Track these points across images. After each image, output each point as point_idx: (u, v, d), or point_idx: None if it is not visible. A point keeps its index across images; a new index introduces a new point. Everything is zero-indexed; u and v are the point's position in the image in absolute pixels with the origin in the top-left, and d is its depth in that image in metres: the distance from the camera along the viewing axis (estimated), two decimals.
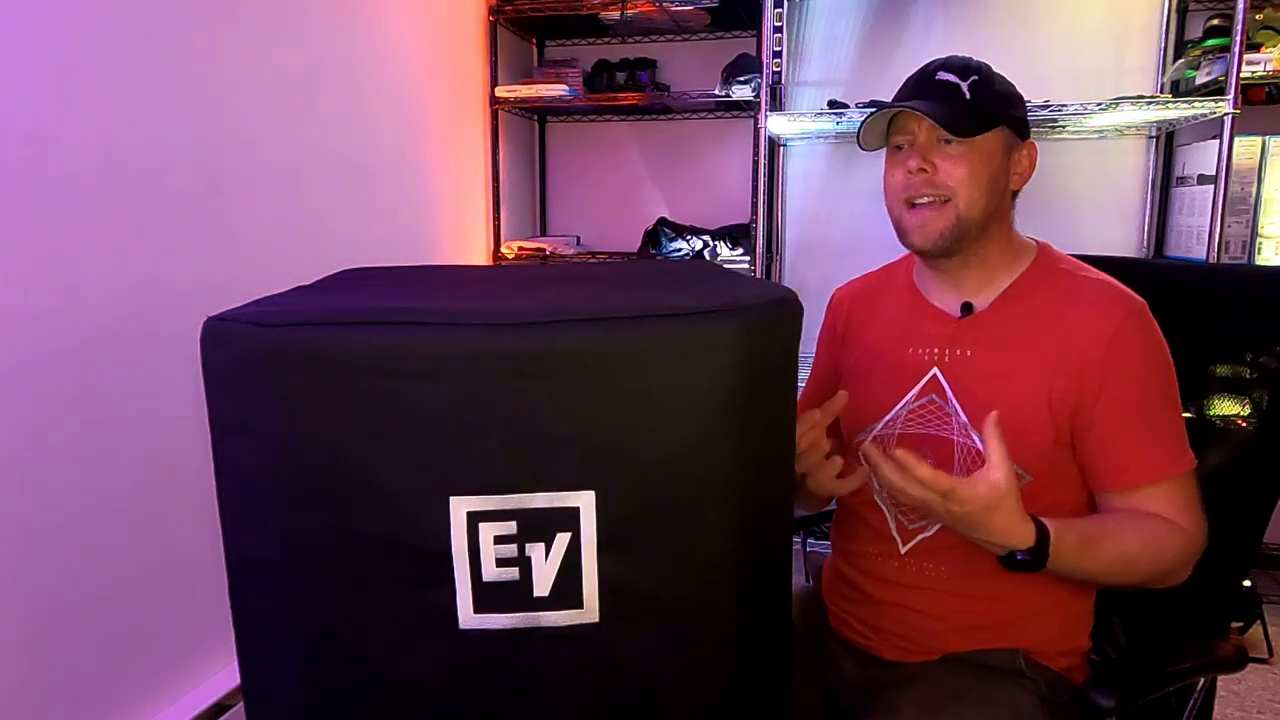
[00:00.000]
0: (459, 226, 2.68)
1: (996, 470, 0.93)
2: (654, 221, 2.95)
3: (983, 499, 0.93)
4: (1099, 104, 2.31)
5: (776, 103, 2.63)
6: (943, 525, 1.11)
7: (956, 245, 1.10)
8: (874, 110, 1.13)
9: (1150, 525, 1.02)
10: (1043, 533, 0.96)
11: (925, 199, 1.09)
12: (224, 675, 1.63)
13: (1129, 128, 2.64)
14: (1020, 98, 1.14)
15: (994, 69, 1.13)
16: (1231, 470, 1.12)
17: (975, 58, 1.14)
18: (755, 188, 2.83)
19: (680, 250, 2.86)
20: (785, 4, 2.61)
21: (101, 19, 1.37)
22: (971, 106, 1.08)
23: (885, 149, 1.16)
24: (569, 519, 0.73)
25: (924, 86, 1.11)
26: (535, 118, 3.16)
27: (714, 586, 0.75)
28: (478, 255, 2.83)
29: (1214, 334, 1.19)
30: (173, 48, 1.51)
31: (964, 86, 1.09)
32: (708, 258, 2.81)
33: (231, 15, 1.65)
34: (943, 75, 1.10)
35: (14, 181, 1.24)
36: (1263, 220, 2.32)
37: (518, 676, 0.75)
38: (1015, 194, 1.16)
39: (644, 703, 0.77)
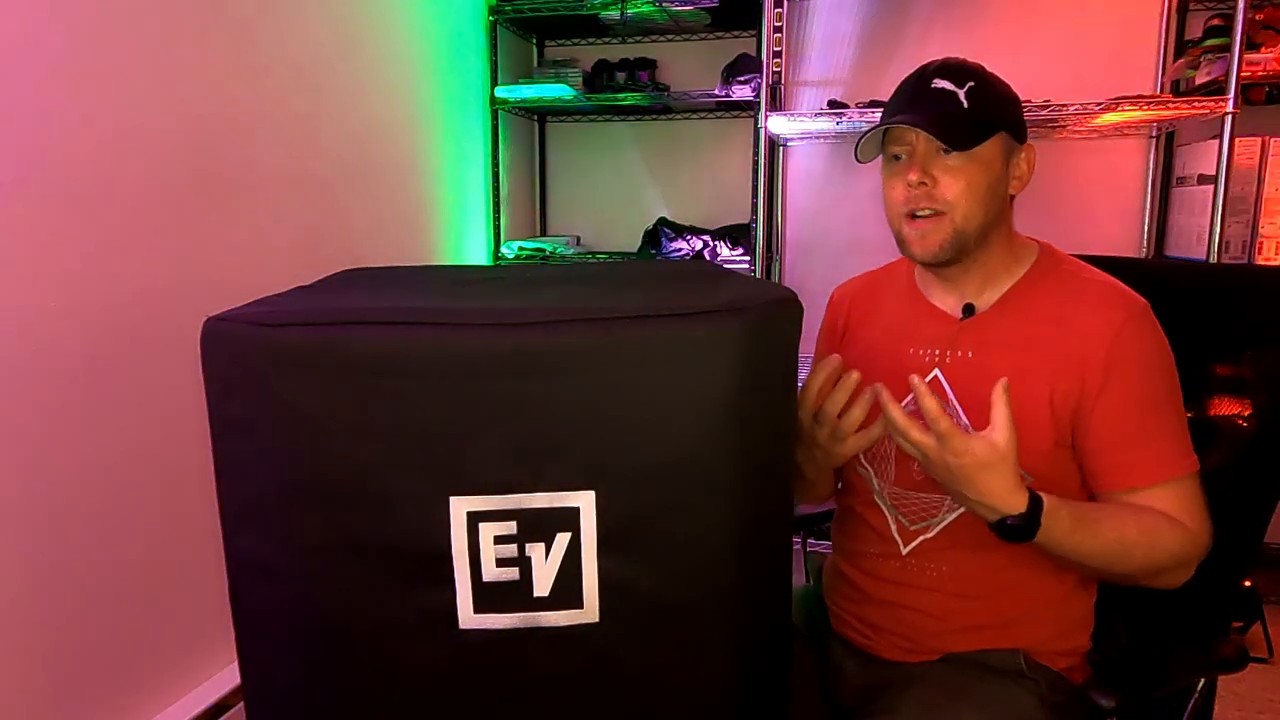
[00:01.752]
0: (459, 226, 2.68)
1: (998, 432, 0.93)
2: (654, 221, 2.95)
3: (978, 454, 0.93)
4: (1099, 104, 2.31)
5: (776, 103, 2.63)
6: (944, 526, 1.11)
7: (956, 255, 1.09)
8: (871, 128, 1.11)
9: (1150, 517, 1.02)
10: (1035, 502, 0.96)
11: (925, 211, 1.08)
12: (224, 675, 1.63)
13: (1129, 128, 2.64)
14: (1018, 100, 1.13)
15: (990, 71, 1.12)
16: (1231, 470, 1.12)
17: (971, 60, 1.12)
18: (755, 188, 2.83)
19: (680, 250, 2.86)
20: (785, 4, 2.61)
21: (102, 19, 1.37)
22: (969, 115, 1.06)
23: (881, 157, 1.15)
24: (569, 519, 0.73)
25: (920, 95, 1.09)
26: (535, 118, 3.15)
27: (714, 586, 0.76)
28: (478, 255, 2.83)
29: (1214, 334, 1.19)
30: (173, 48, 1.51)
31: (960, 94, 1.07)
32: (708, 258, 2.81)
33: (231, 15, 1.65)
34: (939, 83, 1.08)
35: (14, 181, 1.24)
36: (1263, 220, 2.32)
37: (518, 676, 0.76)
38: (1013, 197, 1.15)
39: (644, 703, 0.77)
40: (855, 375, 1.02)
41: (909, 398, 1.15)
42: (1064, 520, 0.97)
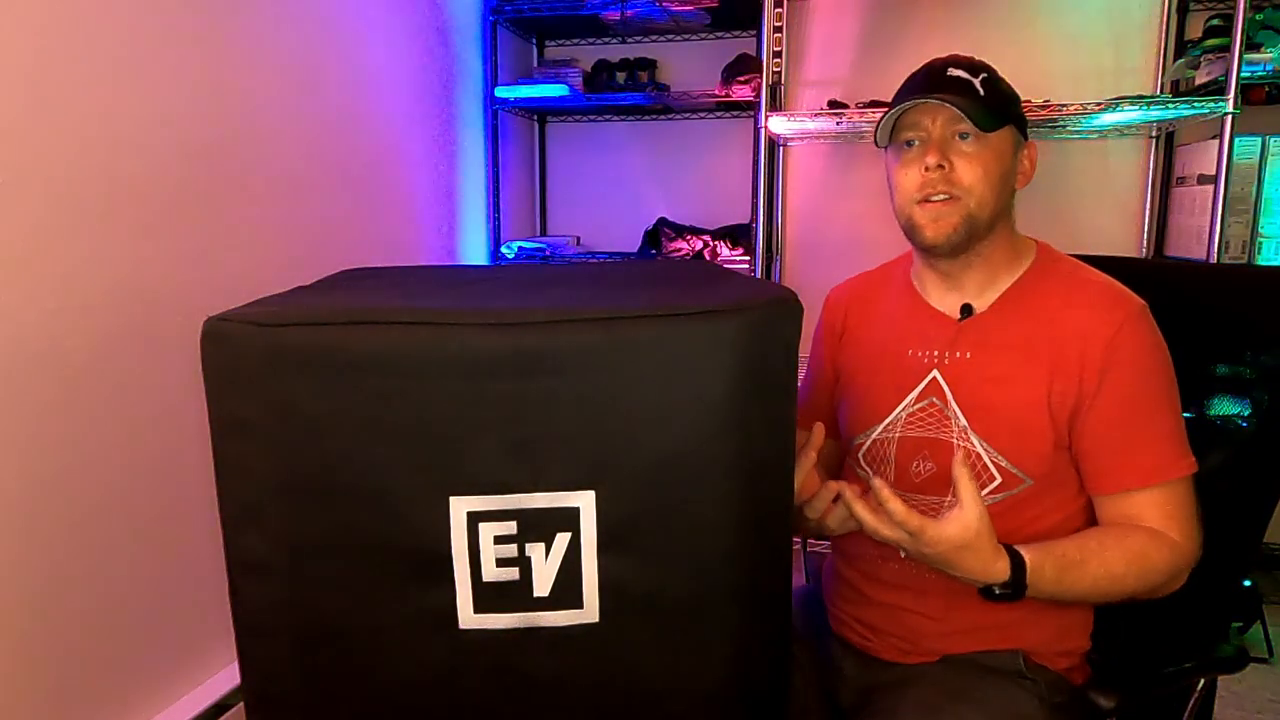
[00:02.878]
0: (459, 226, 2.68)
1: (968, 511, 0.94)
2: (654, 221, 2.95)
3: (953, 539, 0.94)
4: (1099, 104, 2.31)
5: (776, 103, 2.63)
6: None
7: (966, 243, 1.09)
8: (896, 106, 1.11)
9: (1136, 542, 1.02)
10: (1018, 565, 0.96)
11: (940, 196, 1.08)
12: (224, 675, 1.63)
13: (1129, 128, 2.64)
14: (1020, 98, 1.14)
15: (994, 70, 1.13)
16: (1231, 470, 1.12)
17: (976, 57, 1.13)
18: (755, 188, 2.83)
19: (680, 250, 2.86)
20: (785, 4, 2.61)
21: (101, 19, 1.37)
22: (986, 101, 1.07)
23: (889, 148, 1.15)
24: (569, 519, 0.73)
25: (936, 82, 1.09)
26: (535, 118, 3.15)
27: (714, 586, 0.76)
28: (478, 255, 2.83)
29: (1214, 334, 1.19)
30: (173, 48, 1.51)
31: (976, 83, 1.08)
32: (708, 258, 2.81)
33: (231, 15, 1.65)
34: (954, 71, 1.09)
35: (15, 181, 1.24)
36: (1263, 220, 2.32)
37: (518, 676, 0.76)
38: (1014, 192, 1.15)
39: (644, 703, 0.77)
40: (831, 488, 1.03)
41: (909, 398, 1.15)
42: (1049, 573, 0.98)
